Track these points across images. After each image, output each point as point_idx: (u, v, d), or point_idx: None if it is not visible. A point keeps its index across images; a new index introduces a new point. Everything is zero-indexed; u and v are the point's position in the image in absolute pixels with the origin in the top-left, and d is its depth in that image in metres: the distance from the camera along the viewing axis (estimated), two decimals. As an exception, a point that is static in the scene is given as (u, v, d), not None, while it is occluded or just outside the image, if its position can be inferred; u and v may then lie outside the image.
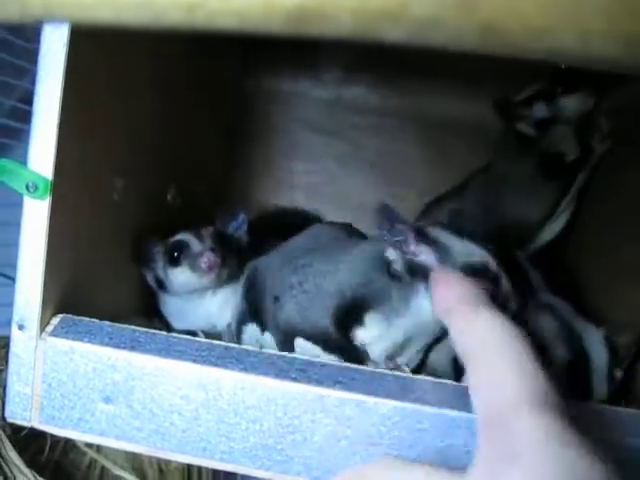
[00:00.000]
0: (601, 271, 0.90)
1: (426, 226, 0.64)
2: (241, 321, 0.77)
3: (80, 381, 0.56)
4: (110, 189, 0.71)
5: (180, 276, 0.79)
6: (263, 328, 0.74)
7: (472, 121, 1.20)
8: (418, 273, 0.61)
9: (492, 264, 0.61)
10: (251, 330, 0.76)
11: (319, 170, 1.26)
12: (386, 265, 0.64)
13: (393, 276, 0.63)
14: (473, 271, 0.59)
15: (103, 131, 0.66)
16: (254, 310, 0.76)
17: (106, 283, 0.73)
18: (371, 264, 0.65)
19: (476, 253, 0.61)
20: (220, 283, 0.81)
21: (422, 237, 0.62)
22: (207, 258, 0.77)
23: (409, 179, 1.24)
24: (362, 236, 0.76)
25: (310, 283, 0.68)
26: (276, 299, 0.71)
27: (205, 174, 1.10)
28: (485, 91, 1.14)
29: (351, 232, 0.77)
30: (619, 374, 0.67)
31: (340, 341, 0.64)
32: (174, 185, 0.91)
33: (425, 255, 0.61)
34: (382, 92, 1.24)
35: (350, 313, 0.64)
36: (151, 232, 0.81)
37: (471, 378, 0.45)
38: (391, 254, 0.63)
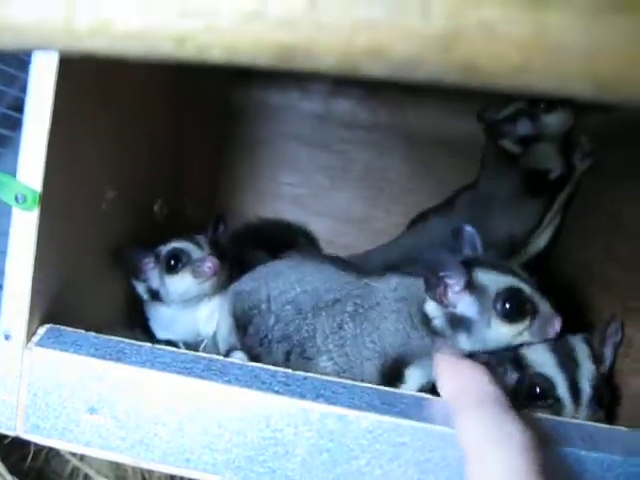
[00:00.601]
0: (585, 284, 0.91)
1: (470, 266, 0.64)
2: (230, 348, 0.76)
3: (65, 391, 0.56)
4: (99, 200, 0.71)
5: (180, 283, 0.79)
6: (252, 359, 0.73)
7: (460, 137, 1.21)
8: (460, 325, 0.63)
9: (526, 288, 0.62)
10: (239, 357, 0.75)
11: (306, 183, 1.26)
12: (425, 320, 0.65)
13: (434, 332, 0.64)
14: (509, 297, 0.61)
15: (93, 143, 0.67)
16: (247, 346, 0.74)
17: (93, 294, 0.73)
18: (409, 321, 0.66)
19: (508, 280, 0.62)
20: (216, 290, 0.82)
21: (469, 285, 0.62)
22: (211, 263, 0.77)
23: (396, 194, 1.24)
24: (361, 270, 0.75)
25: (349, 347, 0.68)
26: (301, 353, 0.70)
27: (192, 185, 1.10)
28: (473, 108, 1.16)
29: (351, 268, 0.75)
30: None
31: None
32: (161, 196, 0.92)
33: (466, 304, 0.62)
34: (371, 106, 1.24)
35: (392, 371, 0.65)
36: (135, 242, 0.82)
37: (466, 473, 0.46)
38: (431, 310, 0.64)
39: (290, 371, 0.58)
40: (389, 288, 0.68)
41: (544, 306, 0.61)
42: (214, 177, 1.25)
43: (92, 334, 0.60)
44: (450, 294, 0.62)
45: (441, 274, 0.62)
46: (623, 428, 0.57)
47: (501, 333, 0.61)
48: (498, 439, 0.46)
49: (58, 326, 0.61)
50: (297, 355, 0.70)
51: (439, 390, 0.56)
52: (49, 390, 0.57)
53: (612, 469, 0.52)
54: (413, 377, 0.65)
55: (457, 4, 0.22)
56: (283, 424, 0.54)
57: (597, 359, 0.67)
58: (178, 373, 0.56)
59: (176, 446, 0.55)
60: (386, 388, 0.58)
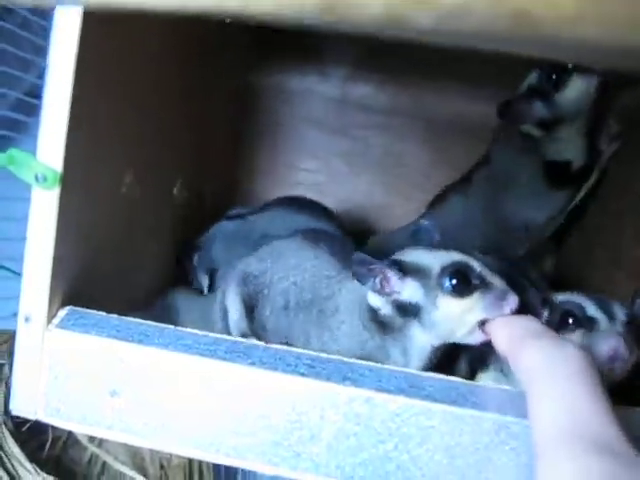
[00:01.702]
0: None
1: (398, 256, 0.63)
2: (243, 334, 0.75)
3: (87, 374, 0.56)
4: (119, 182, 0.70)
5: None
6: None
7: (479, 123, 1.20)
8: (407, 311, 0.61)
9: (474, 263, 0.60)
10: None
11: (324, 168, 1.26)
12: (372, 316, 0.63)
13: (383, 326, 0.63)
14: (455, 271, 0.59)
15: (113, 124, 0.66)
16: (258, 335, 0.73)
17: (113, 275, 0.72)
18: (362, 322, 0.64)
19: (454, 256, 0.61)
20: None
21: (400, 269, 0.61)
22: None
23: (415, 179, 1.24)
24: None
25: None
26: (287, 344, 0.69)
27: (211, 169, 1.10)
28: (491, 91, 1.14)
29: (340, 253, 0.73)
30: None
31: None
32: (180, 179, 0.91)
33: (410, 288, 0.61)
34: (389, 91, 1.23)
35: None
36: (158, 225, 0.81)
37: (528, 410, 0.45)
38: (374, 300, 0.63)
39: (315, 353, 0.57)
40: (350, 287, 0.66)
41: (497, 282, 0.59)
42: (233, 162, 1.24)
43: (113, 316, 0.59)
44: (391, 281, 0.60)
45: (371, 266, 0.60)
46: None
47: (450, 310, 0.58)
48: (556, 357, 0.46)
49: (79, 308, 0.60)
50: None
51: (495, 346, 0.55)
52: (70, 373, 0.56)
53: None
54: None
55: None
56: (309, 407, 0.53)
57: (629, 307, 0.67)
58: (201, 355, 0.55)
59: (199, 430, 0.55)
60: (414, 371, 0.57)
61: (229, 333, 0.75)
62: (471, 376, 0.68)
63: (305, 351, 0.57)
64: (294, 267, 0.71)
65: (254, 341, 0.59)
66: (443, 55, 1.04)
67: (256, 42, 1.21)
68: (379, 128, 1.24)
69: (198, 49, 0.90)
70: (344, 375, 0.54)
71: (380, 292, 0.61)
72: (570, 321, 0.65)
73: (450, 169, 1.21)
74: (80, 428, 0.58)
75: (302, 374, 0.53)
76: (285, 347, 0.58)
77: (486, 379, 0.67)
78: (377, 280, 0.60)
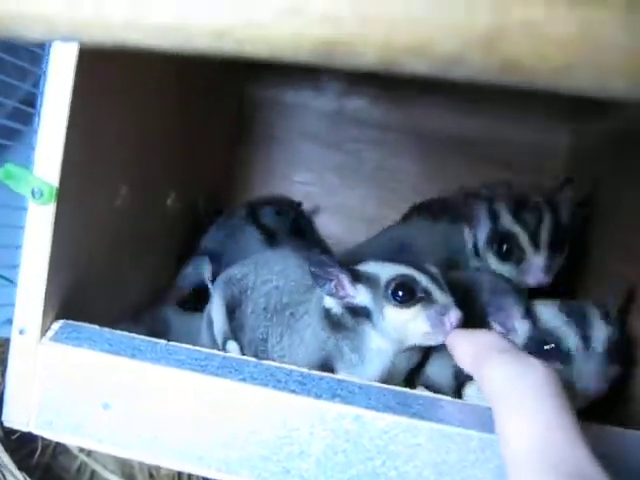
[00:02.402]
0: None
1: (356, 264, 0.66)
2: (226, 338, 0.77)
3: (79, 387, 0.56)
4: (114, 195, 0.71)
5: None
6: (242, 350, 0.75)
7: (472, 137, 1.21)
8: (360, 314, 0.63)
9: (420, 277, 0.62)
10: (233, 347, 0.76)
11: (318, 181, 1.27)
12: (326, 316, 0.65)
13: (337, 325, 0.65)
14: (399, 283, 0.61)
15: (109, 139, 0.66)
16: (235, 333, 0.76)
17: (108, 289, 0.73)
18: (320, 324, 0.66)
19: (398, 268, 0.63)
20: None
21: (354, 276, 0.63)
22: None
23: (407, 193, 1.24)
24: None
25: (287, 358, 0.69)
26: (256, 354, 0.71)
27: (205, 181, 1.10)
28: (485, 107, 1.16)
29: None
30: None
31: None
32: (174, 191, 0.92)
33: (362, 295, 0.63)
34: (384, 106, 1.24)
35: None
36: (151, 237, 0.82)
37: (496, 427, 0.45)
38: (328, 302, 0.65)
39: (306, 370, 0.58)
40: (319, 295, 0.68)
41: (442, 297, 0.61)
42: (227, 174, 1.25)
43: (107, 330, 0.60)
44: (345, 286, 0.63)
45: (328, 270, 0.63)
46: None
47: (394, 320, 0.61)
48: (521, 376, 0.45)
49: (72, 321, 0.60)
50: (254, 353, 0.72)
51: (458, 362, 0.56)
52: (63, 386, 0.57)
53: None
54: None
55: (502, 1, 0.22)
56: (298, 423, 0.53)
57: (611, 320, 0.67)
58: (193, 370, 0.55)
59: (189, 444, 0.55)
60: (402, 389, 0.58)
61: (214, 341, 0.77)
62: (458, 389, 0.68)
63: (296, 368, 0.58)
64: (278, 272, 0.74)
65: (245, 357, 0.59)
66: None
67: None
68: (373, 143, 1.25)
69: (196, 66, 0.91)
70: (334, 392, 0.54)
71: (334, 295, 0.64)
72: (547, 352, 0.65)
73: (443, 184, 1.21)
74: (72, 440, 0.58)
75: (292, 391, 0.54)
76: (276, 364, 0.59)
77: (473, 391, 0.68)
78: (332, 284, 0.63)
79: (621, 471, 0.40)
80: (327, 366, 0.65)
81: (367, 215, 1.24)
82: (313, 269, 0.63)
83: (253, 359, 0.59)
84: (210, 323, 0.79)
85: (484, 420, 0.53)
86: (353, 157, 1.26)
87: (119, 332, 0.60)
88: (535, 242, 0.83)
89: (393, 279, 0.62)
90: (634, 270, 0.77)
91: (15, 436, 0.83)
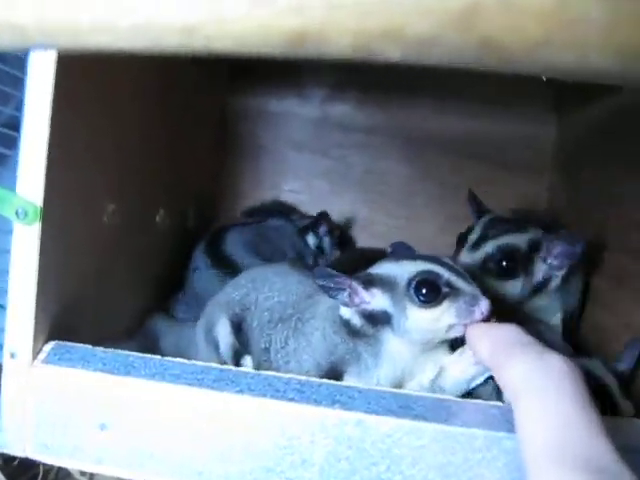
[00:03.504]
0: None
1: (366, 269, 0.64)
2: (237, 352, 0.76)
3: (75, 408, 0.55)
4: (100, 212, 0.70)
5: None
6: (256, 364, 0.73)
7: (458, 136, 1.22)
8: (378, 320, 0.61)
9: (441, 271, 0.60)
10: (248, 361, 0.75)
11: (306, 188, 1.26)
12: (345, 325, 0.64)
13: (356, 333, 0.63)
14: (422, 281, 0.59)
15: (92, 156, 0.66)
16: (246, 347, 0.75)
17: (98, 307, 0.72)
18: (333, 328, 0.65)
19: (416, 265, 0.61)
20: None
21: (366, 281, 0.62)
22: None
23: (396, 195, 1.24)
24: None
25: (292, 363, 0.67)
26: (259, 364, 0.71)
27: (194, 195, 1.10)
28: (470, 106, 1.16)
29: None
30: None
31: None
32: (163, 206, 0.91)
33: (378, 299, 0.61)
34: (368, 110, 1.24)
35: None
36: (141, 254, 0.81)
37: (516, 424, 0.44)
38: (345, 312, 0.64)
39: (304, 378, 0.57)
40: (325, 300, 0.67)
41: (468, 288, 0.59)
42: (216, 186, 1.25)
43: (99, 349, 0.59)
44: (359, 293, 0.61)
45: (336, 279, 0.61)
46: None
47: (420, 320, 0.59)
48: (542, 371, 0.45)
49: (64, 342, 0.59)
50: (257, 365, 0.71)
51: (477, 356, 0.56)
52: (58, 408, 0.56)
53: None
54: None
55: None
56: (299, 432, 0.52)
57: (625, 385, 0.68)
58: (189, 385, 0.54)
59: (189, 459, 0.54)
60: (402, 391, 0.57)
61: (222, 362, 0.76)
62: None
63: (294, 376, 0.57)
64: (279, 289, 0.74)
65: (242, 368, 0.59)
66: (420, 73, 1.05)
67: (235, 67, 1.21)
68: (359, 147, 1.25)
69: (177, 78, 0.90)
70: (333, 398, 0.54)
71: (349, 304, 0.62)
72: None
73: (431, 184, 1.22)
74: (70, 463, 0.58)
75: (291, 399, 0.53)
76: (274, 373, 0.58)
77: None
78: (345, 293, 0.61)
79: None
80: (335, 370, 0.63)
81: (358, 219, 1.24)
82: (321, 282, 0.61)
83: (251, 370, 0.58)
84: (215, 344, 0.78)
85: (488, 418, 0.52)
86: (340, 162, 1.26)
87: (112, 350, 0.59)
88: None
89: (414, 278, 0.59)
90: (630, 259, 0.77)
91: (15, 462, 0.82)
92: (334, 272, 0.61)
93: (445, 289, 0.58)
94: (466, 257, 0.81)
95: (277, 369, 0.67)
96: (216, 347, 0.77)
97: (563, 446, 0.39)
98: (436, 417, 0.52)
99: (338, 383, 0.57)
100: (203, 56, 0.25)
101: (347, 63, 0.25)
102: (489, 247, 0.81)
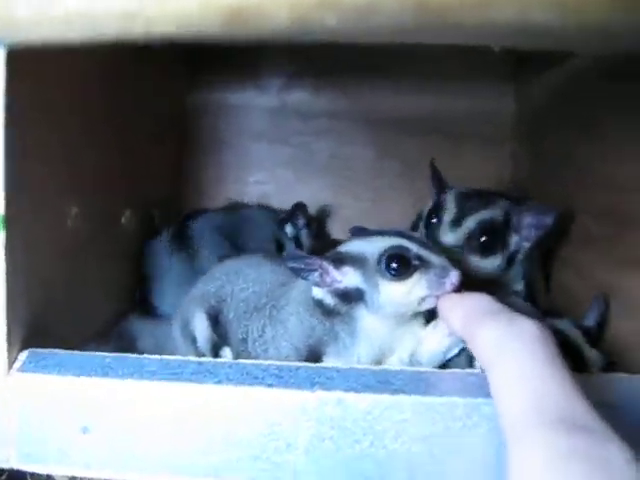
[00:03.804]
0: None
1: (336, 247, 0.65)
2: (215, 344, 0.76)
3: (55, 414, 0.55)
4: (64, 216, 0.70)
5: None
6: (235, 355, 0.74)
7: (421, 115, 1.22)
8: (351, 297, 0.62)
9: (411, 245, 0.61)
10: (227, 353, 0.75)
11: (271, 179, 1.26)
12: (318, 305, 0.64)
13: (330, 313, 0.64)
14: (393, 255, 0.60)
15: (52, 159, 0.65)
16: (225, 340, 0.75)
17: (68, 309, 0.72)
18: (308, 311, 0.66)
19: (385, 241, 0.62)
20: None
21: (336, 260, 0.62)
22: None
23: (362, 178, 1.25)
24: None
25: (271, 351, 0.68)
26: (238, 354, 0.71)
27: (159, 193, 1.09)
28: (429, 85, 1.17)
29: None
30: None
31: None
32: (128, 207, 0.91)
33: (349, 276, 0.62)
34: (327, 95, 1.25)
35: None
36: (109, 256, 0.81)
37: (491, 391, 0.45)
38: (317, 293, 0.64)
39: (282, 363, 0.57)
40: (299, 285, 0.69)
41: (437, 260, 0.60)
42: (180, 182, 1.24)
43: (75, 353, 0.59)
44: (330, 272, 0.62)
45: (307, 261, 0.61)
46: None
47: (392, 294, 0.60)
48: (514, 336, 0.45)
49: (39, 349, 0.59)
50: (235, 356, 0.72)
51: (449, 327, 0.57)
52: (38, 416, 0.55)
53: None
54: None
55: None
56: (281, 417, 0.53)
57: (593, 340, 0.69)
58: (167, 380, 0.54)
59: (175, 454, 0.54)
60: (380, 367, 0.58)
61: (201, 355, 0.76)
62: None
63: (272, 362, 0.57)
64: (254, 279, 0.75)
65: (219, 359, 0.59)
66: (377, 53, 1.06)
67: (191, 62, 1.21)
68: (321, 133, 1.25)
69: (133, 77, 0.90)
70: (312, 380, 0.54)
71: (321, 284, 0.62)
72: None
73: (397, 165, 1.23)
74: (56, 470, 0.57)
75: (270, 385, 0.54)
76: (251, 361, 0.58)
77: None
78: (317, 274, 0.62)
79: (618, 415, 0.40)
80: (314, 353, 0.64)
81: (325, 205, 1.25)
82: (292, 264, 0.62)
83: (227, 360, 0.58)
84: (192, 338, 0.78)
85: (466, 386, 0.53)
86: (303, 150, 1.26)
87: (88, 353, 0.59)
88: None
89: (383, 253, 0.60)
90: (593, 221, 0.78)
91: (3, 476, 0.81)
92: (304, 254, 0.62)
93: (415, 262, 0.59)
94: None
95: (256, 358, 0.67)
96: (193, 341, 0.78)
97: (540, 407, 0.40)
98: (415, 389, 0.53)
99: (316, 365, 0.58)
100: (146, 42, 0.24)
101: (302, 49, 0.25)
102: (470, 223, 0.80)
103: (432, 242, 0.72)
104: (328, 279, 0.62)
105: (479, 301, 0.53)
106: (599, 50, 0.66)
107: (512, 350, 0.45)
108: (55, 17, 0.23)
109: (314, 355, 0.64)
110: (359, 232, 0.71)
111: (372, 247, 0.62)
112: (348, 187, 1.25)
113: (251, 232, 1.04)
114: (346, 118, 1.24)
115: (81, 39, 0.24)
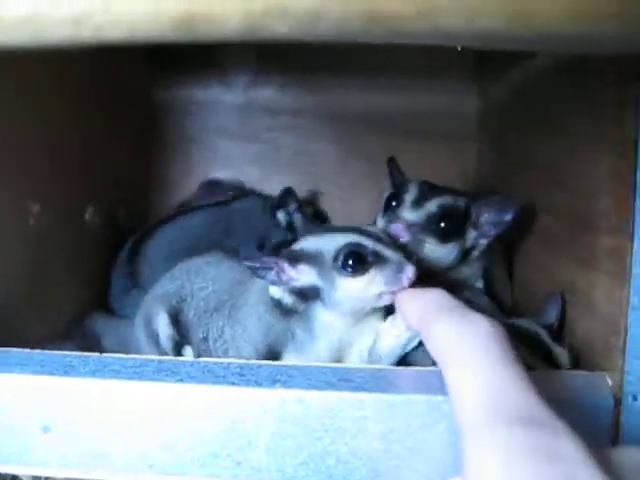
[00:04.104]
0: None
1: (290, 245, 0.65)
2: (176, 342, 0.76)
3: (16, 413, 0.55)
4: (25, 214, 0.69)
5: None
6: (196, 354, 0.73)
7: (387, 113, 1.23)
8: (308, 295, 0.62)
9: (366, 241, 0.61)
10: (189, 352, 0.75)
11: (238, 175, 1.26)
12: (276, 305, 0.64)
13: (288, 312, 0.64)
14: (349, 253, 0.60)
15: (13, 156, 0.65)
16: (186, 338, 0.75)
17: (33, 310, 0.71)
18: (266, 310, 0.66)
19: (341, 238, 0.62)
20: None
21: (292, 258, 0.63)
22: None
23: (327, 175, 1.25)
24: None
25: (230, 351, 0.69)
26: (199, 354, 0.71)
27: (123, 191, 1.08)
28: (393, 83, 1.17)
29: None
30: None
31: None
32: (91, 204, 0.90)
33: (306, 274, 0.62)
34: (293, 92, 1.25)
35: None
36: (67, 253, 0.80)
37: (447, 388, 0.45)
38: (275, 292, 0.64)
39: (244, 361, 0.58)
40: (257, 285, 0.69)
41: (394, 256, 0.60)
42: (146, 180, 1.23)
43: (36, 351, 0.58)
44: (286, 270, 0.62)
45: (263, 260, 0.62)
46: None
47: (348, 290, 0.60)
48: (468, 333, 0.46)
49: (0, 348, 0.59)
50: (197, 355, 0.71)
51: (405, 321, 0.57)
52: (-1, 414, 0.55)
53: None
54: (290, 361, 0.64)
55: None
56: (242, 415, 0.53)
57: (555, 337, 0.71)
58: (129, 379, 0.54)
59: (137, 453, 0.54)
60: (342, 365, 0.58)
61: (162, 353, 0.76)
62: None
63: (233, 360, 0.58)
64: (213, 278, 0.75)
65: (181, 357, 0.59)
66: (342, 51, 1.06)
67: (155, 59, 1.20)
68: (287, 129, 1.25)
69: (95, 74, 0.89)
70: (274, 378, 0.54)
71: (278, 283, 0.63)
72: None
73: (363, 162, 1.23)
74: (19, 470, 0.58)
75: (232, 383, 0.54)
76: (213, 359, 0.58)
77: None
78: (273, 272, 0.62)
79: (574, 412, 0.41)
80: (273, 352, 0.64)
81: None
82: (248, 263, 0.62)
83: (189, 358, 0.58)
84: (155, 337, 0.78)
85: (427, 384, 0.54)
86: (270, 146, 1.26)
87: (49, 352, 0.58)
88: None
89: (340, 250, 0.60)
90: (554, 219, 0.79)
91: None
92: (259, 253, 0.62)
93: (371, 258, 0.60)
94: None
95: (217, 358, 0.67)
96: (156, 340, 0.77)
97: (495, 404, 0.40)
98: (375, 387, 0.53)
99: (277, 363, 0.58)
100: (94, 47, 0.25)
101: (268, 47, 0.25)
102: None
103: (391, 220, 0.75)
104: (284, 277, 0.62)
105: (436, 296, 0.53)
106: (553, 51, 0.67)
107: (466, 347, 0.45)
108: (5, 21, 0.23)
109: (273, 354, 0.64)
110: (313, 228, 0.71)
111: (328, 244, 0.62)
112: (314, 183, 1.25)
113: (241, 227, 1.03)
114: (311, 115, 1.25)
115: (29, 45, 0.24)
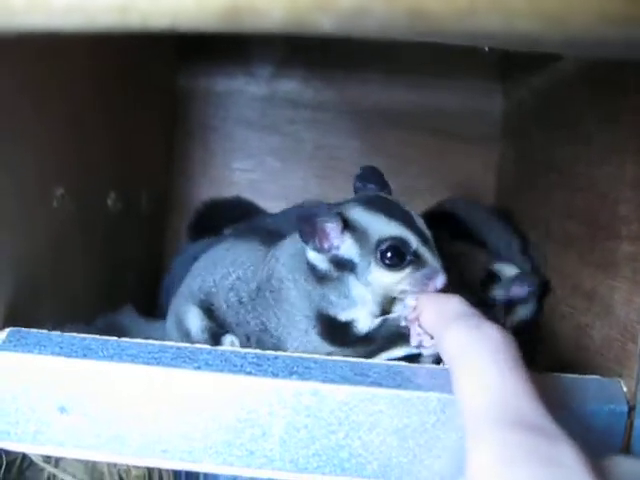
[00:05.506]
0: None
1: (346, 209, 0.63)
2: (214, 332, 0.75)
3: (34, 393, 0.55)
4: (50, 198, 0.70)
5: None
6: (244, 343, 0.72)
7: (407, 109, 1.23)
8: (345, 267, 0.62)
9: (413, 240, 0.60)
10: (229, 340, 0.74)
11: (258, 167, 1.27)
12: (311, 268, 0.64)
13: (322, 278, 0.63)
14: (391, 246, 0.60)
15: (39, 139, 0.65)
16: (225, 328, 0.74)
17: (55, 294, 0.72)
18: (303, 276, 0.65)
19: (390, 227, 0.61)
20: None
21: (345, 226, 0.62)
22: None
23: (347, 169, 1.24)
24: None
25: (290, 329, 0.66)
26: (262, 331, 0.69)
27: (145, 177, 1.09)
28: (417, 80, 1.17)
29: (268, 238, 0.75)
30: None
31: None
32: (114, 189, 0.91)
33: (346, 244, 0.61)
34: (315, 85, 1.25)
35: (329, 328, 0.64)
36: (94, 239, 0.80)
37: (453, 386, 0.47)
38: (314, 257, 0.63)
39: (261, 351, 0.58)
40: (283, 252, 0.68)
41: (432, 261, 0.60)
42: (167, 167, 1.24)
43: (56, 333, 0.59)
44: (330, 238, 0.61)
45: (316, 220, 0.60)
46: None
47: (380, 279, 0.61)
48: (479, 340, 0.47)
49: (19, 328, 0.59)
50: (256, 346, 0.69)
51: (422, 324, 0.58)
52: (17, 394, 0.55)
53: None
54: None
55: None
56: (257, 405, 0.53)
57: None
58: (147, 364, 0.55)
59: (151, 438, 0.55)
60: (358, 360, 0.58)
61: None
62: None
63: (250, 350, 0.58)
64: (232, 263, 0.73)
65: (199, 345, 0.59)
66: (365, 46, 1.06)
67: (181, 47, 1.21)
68: (309, 123, 1.25)
69: (123, 59, 0.90)
70: (290, 370, 0.55)
71: (319, 250, 0.62)
72: None
73: (382, 158, 1.23)
74: (32, 449, 0.58)
75: (249, 373, 0.54)
76: (231, 348, 0.59)
77: None
78: (316, 239, 0.61)
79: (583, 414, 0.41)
80: (324, 315, 0.64)
81: (310, 196, 1.24)
82: (303, 226, 0.61)
83: (207, 346, 0.59)
84: (187, 334, 0.77)
85: (441, 381, 0.54)
86: (291, 139, 1.26)
87: (68, 334, 0.59)
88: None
89: (384, 241, 0.60)
90: (574, 223, 0.79)
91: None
92: (317, 210, 0.60)
93: (410, 257, 0.60)
94: None
95: (278, 341, 0.66)
96: (188, 336, 0.77)
97: (499, 407, 0.42)
98: (391, 383, 0.54)
99: (294, 355, 0.58)
100: (142, 34, 0.25)
101: (293, 39, 0.25)
102: None
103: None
104: (327, 244, 0.62)
105: (452, 303, 0.55)
106: (586, 56, 0.67)
107: (475, 352, 0.47)
108: (55, 7, 0.24)
109: (324, 317, 0.64)
110: (364, 187, 0.71)
111: (375, 227, 0.61)
112: (332, 178, 1.25)
113: None
114: (333, 109, 1.25)
115: (75, 30, 0.25)
